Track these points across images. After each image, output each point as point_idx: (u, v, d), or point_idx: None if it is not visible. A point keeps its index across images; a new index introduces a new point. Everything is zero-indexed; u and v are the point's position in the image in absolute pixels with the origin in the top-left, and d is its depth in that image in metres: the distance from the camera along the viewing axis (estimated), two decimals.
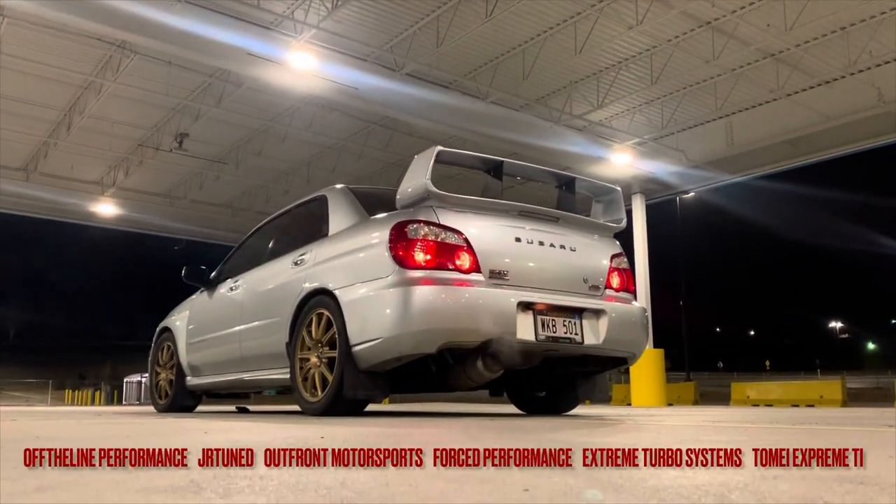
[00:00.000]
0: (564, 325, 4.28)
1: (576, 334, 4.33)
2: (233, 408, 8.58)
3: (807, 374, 62.59)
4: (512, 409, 6.08)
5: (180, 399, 6.57)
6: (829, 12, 10.35)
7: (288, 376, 4.79)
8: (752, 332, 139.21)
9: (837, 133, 12.86)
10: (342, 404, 4.31)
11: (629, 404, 14.63)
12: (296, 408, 5.53)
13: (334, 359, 4.29)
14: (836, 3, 10.17)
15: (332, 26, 10.73)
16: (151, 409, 7.53)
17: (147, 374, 7.65)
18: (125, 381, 32.16)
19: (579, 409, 6.62)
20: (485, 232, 4.19)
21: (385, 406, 11.79)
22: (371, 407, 7.20)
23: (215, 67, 12.19)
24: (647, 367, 13.74)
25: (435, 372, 4.31)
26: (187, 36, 9.84)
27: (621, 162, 14.23)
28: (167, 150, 15.31)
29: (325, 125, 14.73)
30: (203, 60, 11.10)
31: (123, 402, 29.75)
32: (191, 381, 6.39)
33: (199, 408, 7.06)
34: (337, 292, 4.31)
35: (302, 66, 10.69)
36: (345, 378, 4.17)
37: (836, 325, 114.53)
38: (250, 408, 8.29)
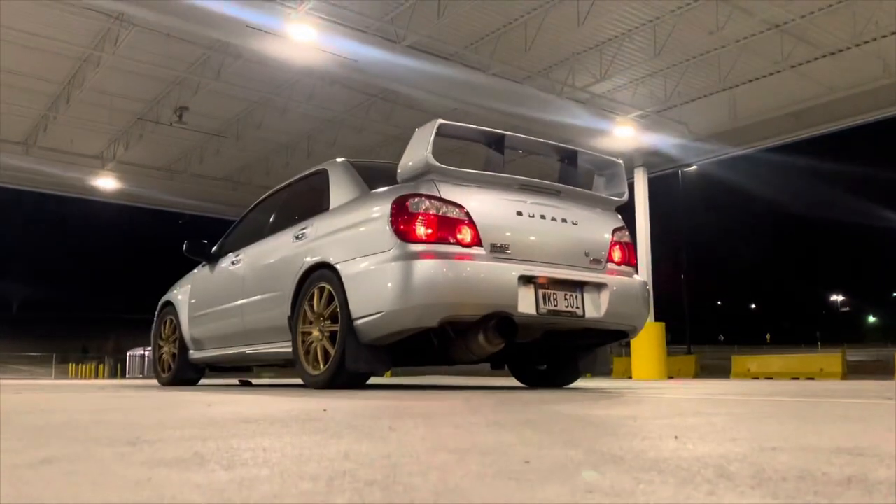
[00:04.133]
0: (566, 299, 4.30)
1: (577, 308, 4.34)
2: (235, 381, 8.64)
3: (807, 347, 62.83)
4: (513, 382, 6.12)
5: (183, 372, 6.62)
6: None
7: (290, 350, 4.82)
8: (753, 306, 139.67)
9: (842, 105, 12.77)
10: (344, 377, 4.34)
11: (630, 377, 14.71)
12: (298, 381, 5.57)
13: (336, 332, 4.31)
14: None
15: None
16: (155, 382, 7.58)
17: (150, 348, 7.69)
18: (128, 354, 32.40)
19: (580, 383, 6.67)
20: (486, 206, 4.18)
21: (387, 379, 11.86)
22: (373, 380, 7.25)
23: (214, 39, 12.07)
24: (648, 341, 13.81)
25: (436, 345, 4.33)
26: (185, 7, 9.74)
27: (624, 135, 14.15)
28: (167, 124, 15.26)
29: (325, 98, 14.63)
30: (202, 32, 10.99)
31: (127, 376, 29.98)
32: (193, 354, 6.43)
33: (202, 381, 7.11)
34: (338, 266, 4.32)
35: (302, 37, 10.59)
36: (347, 351, 4.20)
37: (837, 298, 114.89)
38: (253, 381, 8.35)
